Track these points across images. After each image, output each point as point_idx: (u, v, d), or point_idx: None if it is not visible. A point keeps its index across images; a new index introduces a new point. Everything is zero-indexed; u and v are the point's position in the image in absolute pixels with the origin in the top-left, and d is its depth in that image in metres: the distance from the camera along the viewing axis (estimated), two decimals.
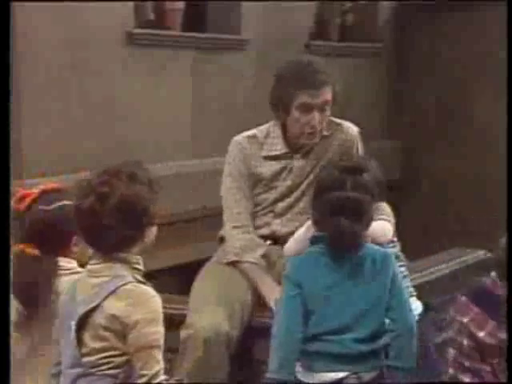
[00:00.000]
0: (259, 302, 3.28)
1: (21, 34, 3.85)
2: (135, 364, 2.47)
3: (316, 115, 3.24)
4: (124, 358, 2.48)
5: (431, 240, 2.98)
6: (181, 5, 4.80)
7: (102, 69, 4.29)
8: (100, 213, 2.46)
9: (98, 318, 2.47)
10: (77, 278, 2.63)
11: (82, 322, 2.48)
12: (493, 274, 2.86)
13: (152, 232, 2.59)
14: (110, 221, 2.46)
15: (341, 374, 2.70)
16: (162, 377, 2.48)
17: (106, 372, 2.47)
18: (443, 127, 6.48)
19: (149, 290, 2.51)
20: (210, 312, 3.11)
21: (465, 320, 2.79)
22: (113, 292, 2.47)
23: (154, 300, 2.48)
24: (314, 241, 2.80)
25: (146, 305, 2.47)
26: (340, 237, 2.71)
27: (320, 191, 2.78)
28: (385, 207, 3.18)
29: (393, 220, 3.17)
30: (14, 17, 3.75)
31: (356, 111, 5.18)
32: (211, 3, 5.08)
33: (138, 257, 2.58)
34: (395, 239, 3.18)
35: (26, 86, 3.91)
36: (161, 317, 2.49)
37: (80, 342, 2.48)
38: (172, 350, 2.81)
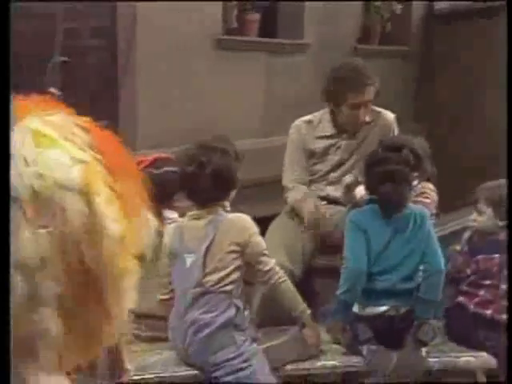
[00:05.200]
0: (317, 248, 3.30)
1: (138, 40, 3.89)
2: (260, 271, 2.56)
3: (362, 111, 3.26)
4: (236, 275, 2.55)
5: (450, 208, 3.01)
6: (257, 16, 4.82)
7: (197, 68, 4.32)
8: (199, 177, 2.51)
9: (217, 244, 2.54)
10: (178, 223, 2.69)
11: (205, 251, 2.53)
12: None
13: (234, 192, 2.64)
14: (206, 183, 2.51)
15: (384, 308, 2.71)
16: (277, 267, 2.60)
17: (223, 289, 2.52)
18: (458, 119, 6.38)
19: (241, 214, 2.61)
20: (277, 254, 3.14)
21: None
22: (222, 224, 2.56)
23: (249, 219, 2.60)
24: (369, 202, 2.81)
25: (248, 223, 2.59)
26: (387, 200, 2.75)
27: (370, 165, 2.78)
28: (427, 190, 3.18)
29: (434, 196, 3.17)
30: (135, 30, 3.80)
31: (391, 101, 5.12)
32: (280, 14, 5.10)
33: (227, 202, 2.64)
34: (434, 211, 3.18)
35: (140, 81, 3.95)
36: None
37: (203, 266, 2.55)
38: (248, 283, 2.81)
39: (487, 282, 2.84)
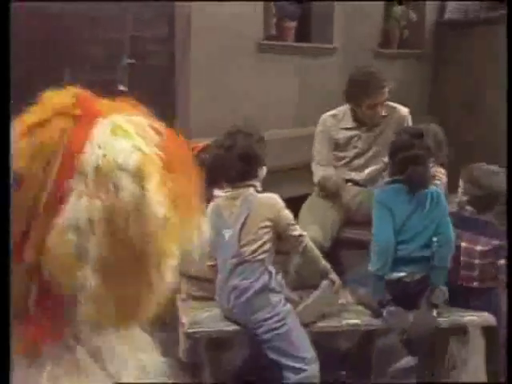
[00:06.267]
0: (344, 224, 3.29)
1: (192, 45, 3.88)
2: (291, 236, 2.57)
3: (378, 109, 3.24)
4: (268, 246, 2.55)
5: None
6: (294, 23, 4.80)
7: (241, 68, 4.31)
8: (227, 158, 2.52)
9: (251, 221, 2.55)
10: (216, 202, 2.66)
11: (241, 226, 2.54)
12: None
13: (263, 171, 2.61)
14: (234, 163, 2.52)
15: (402, 274, 2.70)
16: (303, 232, 2.64)
17: (257, 258, 2.53)
18: (463, 112, 6.27)
19: (269, 193, 2.61)
20: (310, 229, 3.14)
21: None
22: (254, 203, 2.55)
23: (276, 196, 2.59)
24: (393, 182, 2.78)
25: (275, 200, 2.58)
26: (411, 181, 2.74)
27: (395, 150, 2.75)
28: (439, 174, 3.15)
29: (445, 179, 3.16)
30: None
31: (405, 97, 5.05)
32: (313, 21, 5.06)
33: (258, 183, 2.62)
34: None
35: (193, 80, 3.96)
36: None
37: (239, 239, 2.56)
38: (282, 253, 2.82)
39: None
